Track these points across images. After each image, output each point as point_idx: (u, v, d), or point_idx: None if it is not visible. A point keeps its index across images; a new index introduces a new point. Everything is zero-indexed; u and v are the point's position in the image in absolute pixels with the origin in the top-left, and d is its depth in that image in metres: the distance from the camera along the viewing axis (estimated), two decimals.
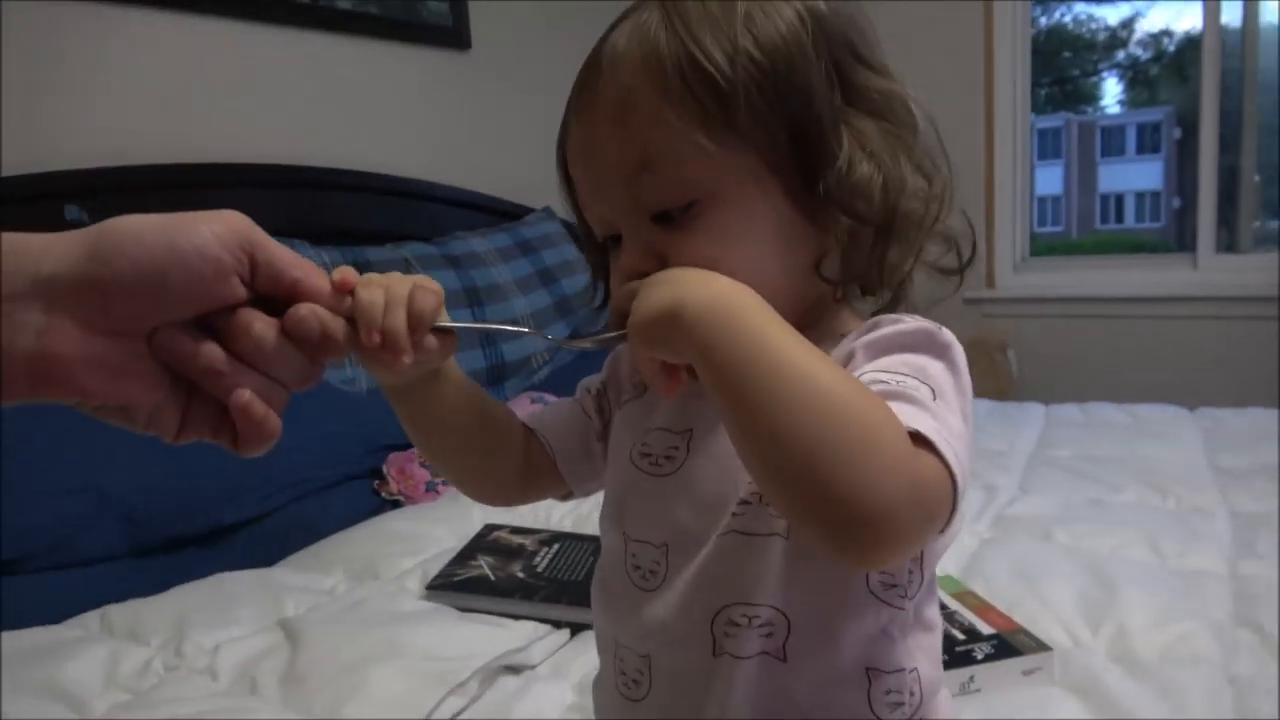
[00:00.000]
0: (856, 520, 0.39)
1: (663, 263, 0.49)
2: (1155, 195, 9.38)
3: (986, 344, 2.67)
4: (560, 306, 2.17)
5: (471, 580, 1.14)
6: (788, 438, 0.40)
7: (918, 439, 0.41)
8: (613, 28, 0.52)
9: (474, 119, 2.44)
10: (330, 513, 1.43)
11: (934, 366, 0.46)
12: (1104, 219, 10.14)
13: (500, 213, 2.38)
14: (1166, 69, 6.00)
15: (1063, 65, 7.08)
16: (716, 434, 0.51)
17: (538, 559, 1.19)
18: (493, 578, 1.14)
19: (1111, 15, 6.63)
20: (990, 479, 1.56)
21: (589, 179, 0.53)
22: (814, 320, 0.52)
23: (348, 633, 1.02)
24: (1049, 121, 9.81)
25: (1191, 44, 2.75)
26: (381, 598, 1.13)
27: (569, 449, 0.61)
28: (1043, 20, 6.49)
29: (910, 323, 0.48)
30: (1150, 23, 6.53)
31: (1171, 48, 5.28)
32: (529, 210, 2.43)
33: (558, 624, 1.08)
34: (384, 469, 1.51)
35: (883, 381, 0.44)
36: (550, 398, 1.90)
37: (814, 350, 0.42)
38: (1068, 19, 6.51)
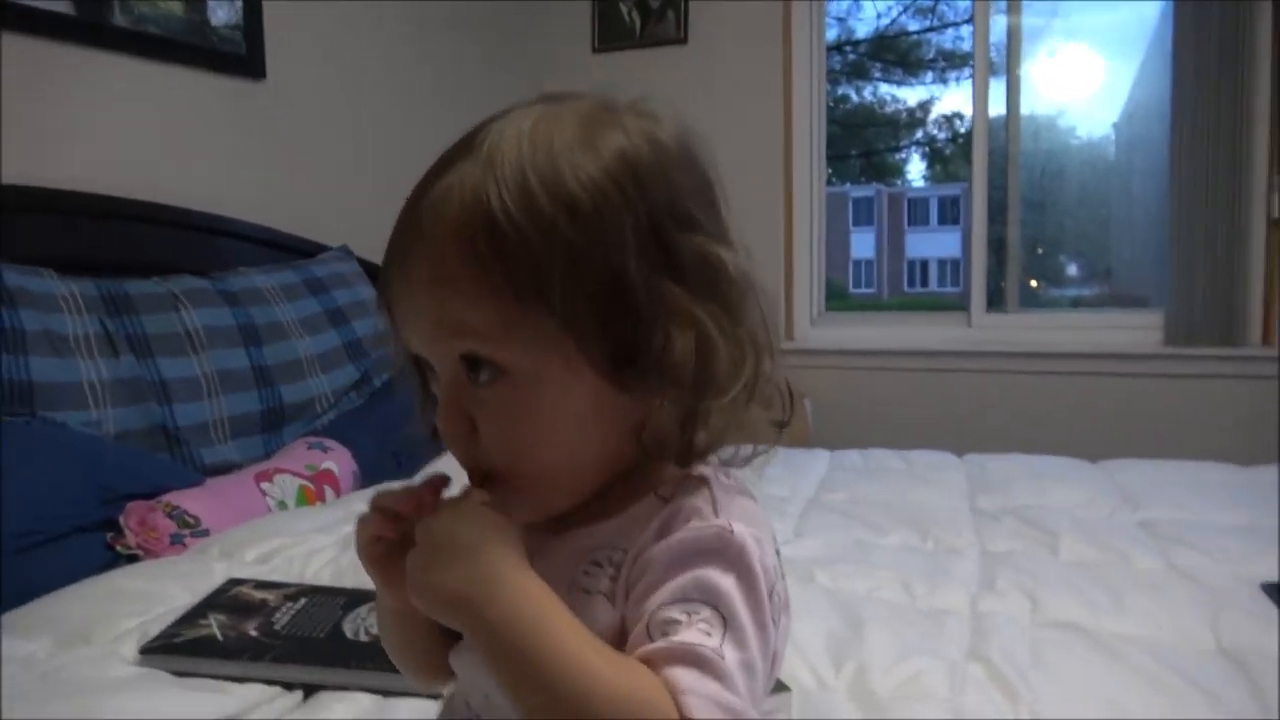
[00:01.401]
0: None
1: (473, 425, 0.49)
2: (955, 262, 10.21)
3: None
4: (351, 349, 2.07)
5: (195, 641, 1.03)
6: None
7: None
8: (440, 169, 0.50)
9: (268, 151, 2.33)
10: (53, 570, 1.27)
11: (726, 582, 0.46)
12: (911, 283, 10.92)
13: (294, 250, 2.27)
14: (960, 148, 6.60)
15: (870, 139, 7.63)
16: None
17: (278, 615, 1.10)
18: (220, 637, 1.04)
19: (911, 97, 7.25)
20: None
21: (406, 326, 0.52)
22: (630, 474, 0.52)
23: (33, 706, 0.89)
24: (862, 191, 10.55)
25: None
26: (86, 664, 1.00)
27: None
28: (854, 97, 7.04)
29: (705, 525, 0.48)
30: (946, 106, 7.16)
31: (963, 129, 5.82)
32: (324, 248, 2.33)
33: (289, 686, 0.99)
34: (121, 520, 1.37)
35: (677, 621, 0.44)
36: (331, 444, 1.80)
37: (593, 661, 0.43)
38: (873, 98, 7.05)
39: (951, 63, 6.24)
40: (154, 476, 1.48)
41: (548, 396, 0.48)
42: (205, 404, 1.71)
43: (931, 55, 6.45)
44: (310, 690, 0.99)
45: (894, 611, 1.20)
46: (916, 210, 11.20)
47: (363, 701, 0.97)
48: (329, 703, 0.96)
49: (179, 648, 1.02)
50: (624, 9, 3.09)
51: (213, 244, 2.08)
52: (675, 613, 0.45)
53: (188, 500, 1.44)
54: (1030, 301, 3.39)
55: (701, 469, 0.51)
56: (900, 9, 6.05)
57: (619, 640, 0.46)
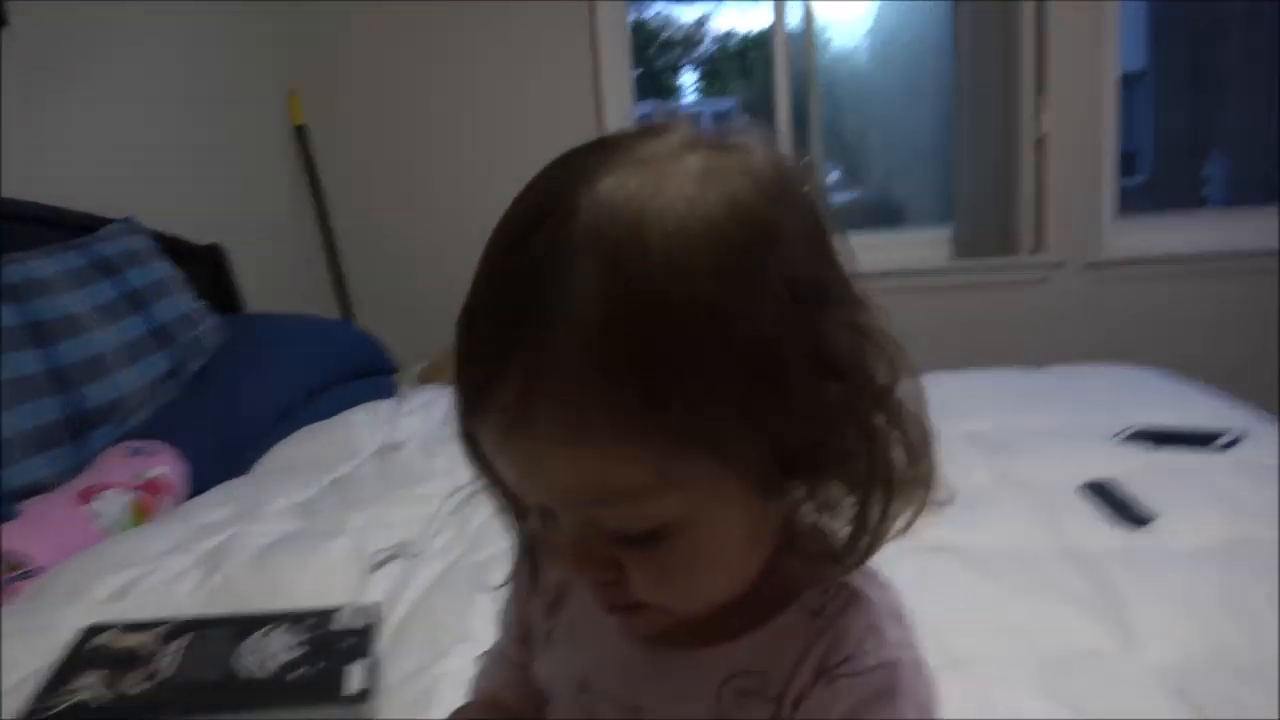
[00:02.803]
0: None
1: (621, 573, 0.42)
2: None
3: None
4: (158, 336, 1.86)
5: (72, 711, 0.92)
6: None
7: None
8: (524, 271, 0.38)
9: (19, 112, 2.00)
10: None
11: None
12: None
13: (67, 225, 1.99)
14: (731, 64, 6.77)
15: (649, 59, 7.66)
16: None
17: (159, 661, 1.00)
18: (100, 702, 0.93)
19: (687, 14, 7.32)
20: None
21: (526, 485, 0.42)
22: (765, 576, 0.46)
23: None
24: (640, 109, 10.67)
25: (753, 43, 3.11)
26: None
27: None
28: (632, 15, 7.00)
29: (874, 665, 0.43)
30: (719, 23, 7.30)
31: (736, 46, 5.99)
32: (104, 221, 2.06)
33: None
34: None
35: None
36: (153, 445, 1.63)
37: None
38: (648, 15, 7.07)
39: None
40: None
41: (708, 539, 0.42)
42: None
43: None
44: None
45: None
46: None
47: None
48: None
49: None
50: None
51: None
52: None
53: (7, 537, 1.26)
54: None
55: (849, 576, 0.46)
56: None
57: None
